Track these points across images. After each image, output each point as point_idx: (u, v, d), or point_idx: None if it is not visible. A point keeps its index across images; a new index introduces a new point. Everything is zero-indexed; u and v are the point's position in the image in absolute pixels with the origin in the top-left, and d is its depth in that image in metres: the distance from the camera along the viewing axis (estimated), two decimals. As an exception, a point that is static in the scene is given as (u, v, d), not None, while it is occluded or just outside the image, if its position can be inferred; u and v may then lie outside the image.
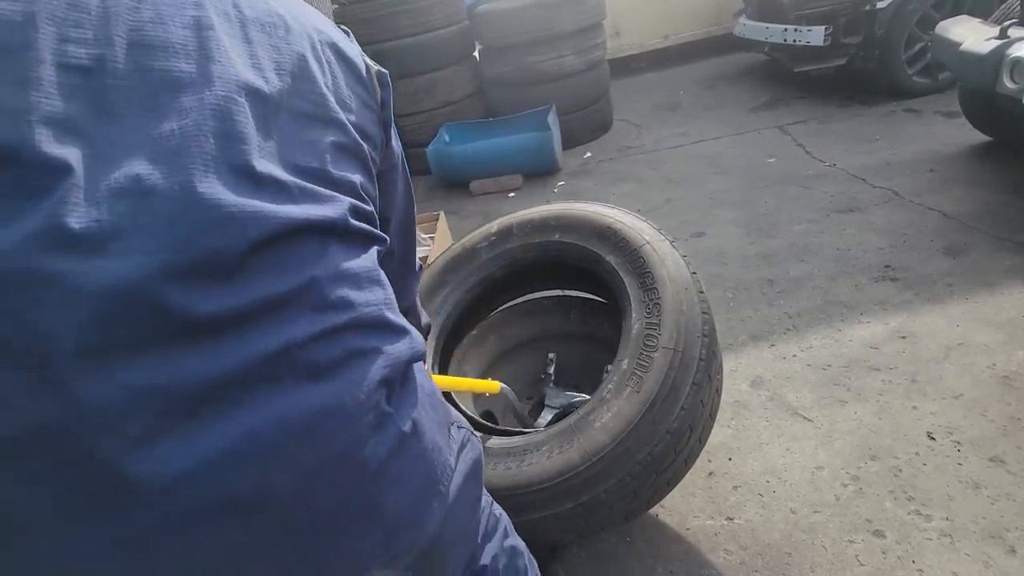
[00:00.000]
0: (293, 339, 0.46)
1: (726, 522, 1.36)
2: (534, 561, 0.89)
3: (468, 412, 1.48)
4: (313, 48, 0.53)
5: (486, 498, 0.77)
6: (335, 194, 0.51)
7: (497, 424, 1.58)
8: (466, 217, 3.43)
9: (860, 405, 1.58)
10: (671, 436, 1.15)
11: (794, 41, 3.69)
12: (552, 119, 3.67)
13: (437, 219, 3.02)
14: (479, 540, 0.73)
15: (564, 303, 1.91)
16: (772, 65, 4.67)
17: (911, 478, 1.36)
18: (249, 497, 0.44)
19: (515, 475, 1.19)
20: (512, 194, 3.58)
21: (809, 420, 1.57)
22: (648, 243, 1.43)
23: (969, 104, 2.65)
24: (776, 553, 1.27)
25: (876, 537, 1.25)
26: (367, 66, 0.60)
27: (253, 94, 0.46)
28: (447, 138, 3.97)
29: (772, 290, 2.14)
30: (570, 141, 4.02)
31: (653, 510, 1.43)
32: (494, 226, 1.75)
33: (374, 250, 0.56)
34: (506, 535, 0.82)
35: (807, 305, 2.01)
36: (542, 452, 1.21)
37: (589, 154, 3.93)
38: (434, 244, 2.79)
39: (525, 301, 1.94)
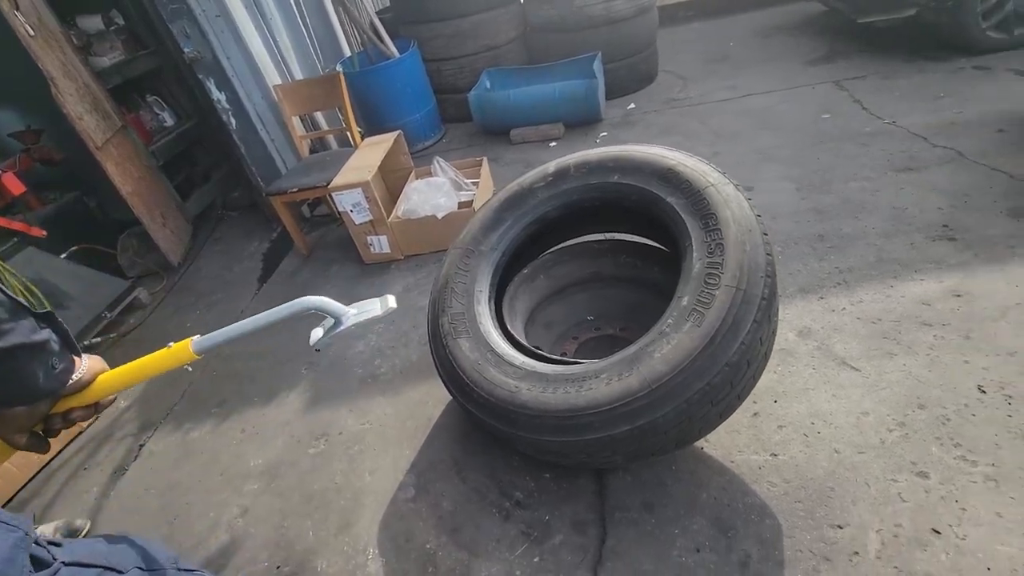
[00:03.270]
0: None
1: (770, 457, 1.42)
2: None
3: (524, 343, 1.54)
4: None
5: None
6: None
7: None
8: (506, 164, 3.42)
9: (910, 358, 1.59)
10: (729, 369, 1.19)
11: (860, -11, 3.48)
12: (598, 67, 3.57)
13: (480, 165, 3.02)
14: None
15: (615, 247, 1.93)
16: (831, 16, 4.42)
17: (959, 427, 1.38)
18: None
19: (573, 399, 1.25)
20: (553, 144, 3.53)
21: (856, 370, 1.59)
22: (712, 185, 1.43)
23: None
24: (819, 487, 1.33)
25: (920, 478, 1.29)
26: None
27: None
28: (488, 84, 3.91)
29: (823, 245, 2.12)
30: (613, 91, 3.92)
31: (698, 444, 1.49)
32: (551, 166, 1.76)
33: None
34: None
35: (859, 262, 1.99)
36: (601, 379, 1.26)
37: (633, 105, 3.83)
38: (478, 189, 2.80)
39: (577, 243, 1.96)
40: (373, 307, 1.01)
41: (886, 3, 3.40)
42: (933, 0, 3.26)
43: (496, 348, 1.45)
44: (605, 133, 3.54)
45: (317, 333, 1.00)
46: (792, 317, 1.82)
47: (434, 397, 1.86)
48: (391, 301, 1.02)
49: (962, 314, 1.68)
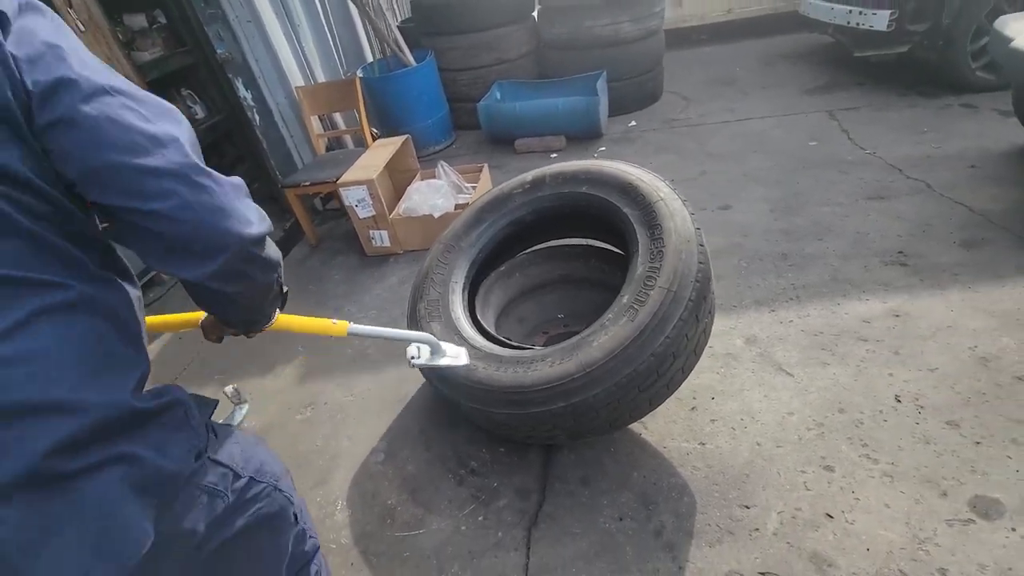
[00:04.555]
0: None
1: (698, 446, 1.58)
2: None
3: (488, 329, 1.73)
4: None
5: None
6: None
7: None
8: (508, 172, 3.62)
9: (840, 368, 1.74)
10: (655, 358, 1.36)
11: (857, 24, 3.63)
12: (601, 85, 3.77)
13: (481, 170, 3.23)
14: None
15: (585, 251, 2.11)
16: (835, 48, 4.56)
17: (870, 430, 1.53)
18: None
19: (520, 378, 1.44)
20: (555, 155, 3.73)
21: (791, 375, 1.75)
22: (662, 199, 1.61)
23: (1022, 103, 2.62)
24: (736, 473, 1.49)
25: (825, 471, 1.45)
26: None
27: None
28: (498, 95, 4.13)
29: (784, 263, 2.27)
30: (617, 108, 4.11)
31: (636, 429, 1.66)
32: (529, 175, 1.96)
33: None
34: None
35: (814, 280, 2.14)
36: (546, 362, 1.44)
37: (634, 123, 4.01)
38: (475, 192, 3.00)
39: (550, 246, 2.15)
40: (460, 357, 1.44)
41: (881, 39, 3.54)
42: (926, 38, 3.40)
43: (462, 332, 1.64)
44: (604, 148, 3.72)
45: (416, 354, 1.37)
46: (742, 326, 1.98)
47: (413, 376, 2.06)
48: (464, 358, 1.45)
49: (896, 332, 1.83)
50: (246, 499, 0.79)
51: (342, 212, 3.56)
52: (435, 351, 1.40)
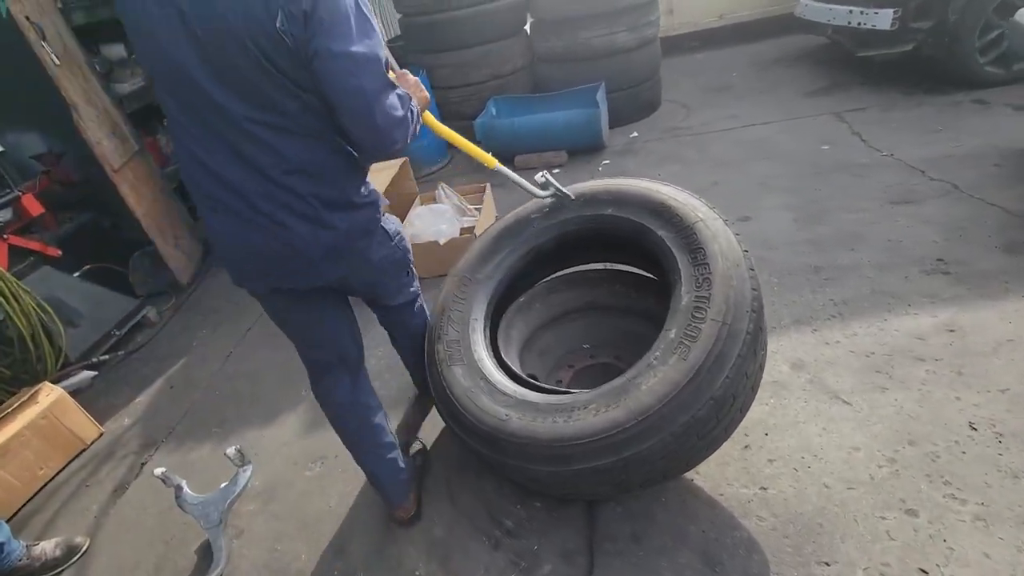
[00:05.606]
0: None
1: (759, 491, 1.42)
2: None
3: (517, 371, 1.57)
4: None
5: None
6: None
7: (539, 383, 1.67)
8: (511, 191, 3.47)
9: (902, 392, 1.60)
10: (714, 403, 1.20)
11: (859, 24, 3.55)
12: (601, 96, 3.66)
13: (484, 191, 3.09)
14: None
15: (610, 276, 1.97)
16: (832, 49, 4.50)
17: (948, 464, 1.38)
18: None
19: (561, 429, 1.27)
20: (556, 171, 3.60)
21: (848, 404, 1.60)
22: (701, 220, 1.47)
23: (1045, 97, 2.53)
24: (807, 523, 1.33)
25: (909, 516, 1.29)
26: None
27: None
28: (494, 111, 4.01)
29: (818, 277, 2.14)
30: (617, 120, 4.01)
31: (688, 475, 1.50)
32: (548, 197, 1.81)
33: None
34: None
35: (854, 294, 2.01)
36: (588, 410, 1.28)
37: (636, 134, 3.91)
38: (481, 216, 2.86)
39: (573, 272, 2.00)
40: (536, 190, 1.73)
41: (884, 38, 3.47)
42: (932, 36, 3.33)
43: (489, 376, 1.48)
44: (607, 161, 3.60)
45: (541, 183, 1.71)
46: (786, 349, 1.83)
47: (430, 421, 1.89)
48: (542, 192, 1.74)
49: (955, 349, 1.69)
50: (393, 243, 1.38)
51: (339, 240, 3.40)
52: (545, 187, 1.71)
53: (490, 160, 1.64)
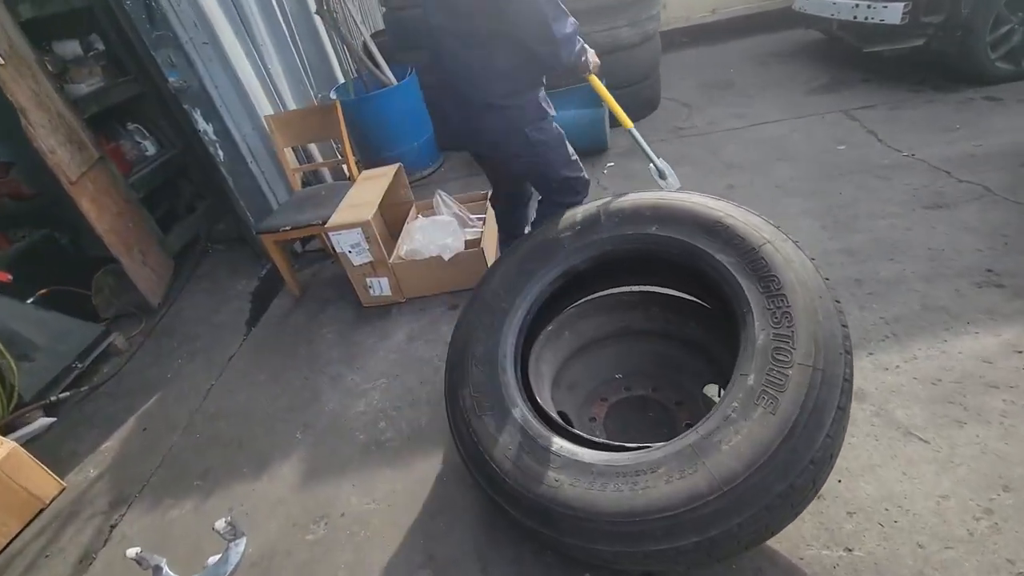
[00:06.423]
0: None
1: (845, 553, 1.24)
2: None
3: (556, 418, 1.36)
4: None
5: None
6: None
7: (570, 424, 1.46)
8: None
9: (982, 427, 1.44)
10: (814, 467, 1.02)
11: (866, 18, 3.43)
12: (603, 95, 3.46)
13: (486, 198, 2.85)
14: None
15: (645, 299, 1.77)
16: (829, 44, 4.39)
17: (1054, 515, 1.23)
18: None
19: (630, 500, 1.07)
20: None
21: (925, 441, 1.43)
22: (768, 242, 1.28)
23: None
24: (907, 593, 1.15)
25: (1023, 582, 1.13)
26: None
27: None
28: (489, 112, 3.77)
29: (862, 291, 1.98)
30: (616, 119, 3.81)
31: (760, 535, 1.30)
32: (578, 214, 1.60)
33: None
34: None
35: (904, 310, 1.86)
36: (659, 474, 1.08)
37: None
38: (485, 227, 2.64)
39: (605, 295, 1.80)
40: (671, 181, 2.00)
41: (893, 32, 3.35)
42: (942, 30, 3.22)
43: (528, 429, 1.26)
44: (612, 163, 3.41)
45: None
46: (842, 376, 1.66)
47: (449, 470, 1.66)
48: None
49: (1029, 374, 1.55)
50: (543, 125, 1.88)
51: (327, 253, 3.13)
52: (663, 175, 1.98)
53: (627, 120, 2.03)
